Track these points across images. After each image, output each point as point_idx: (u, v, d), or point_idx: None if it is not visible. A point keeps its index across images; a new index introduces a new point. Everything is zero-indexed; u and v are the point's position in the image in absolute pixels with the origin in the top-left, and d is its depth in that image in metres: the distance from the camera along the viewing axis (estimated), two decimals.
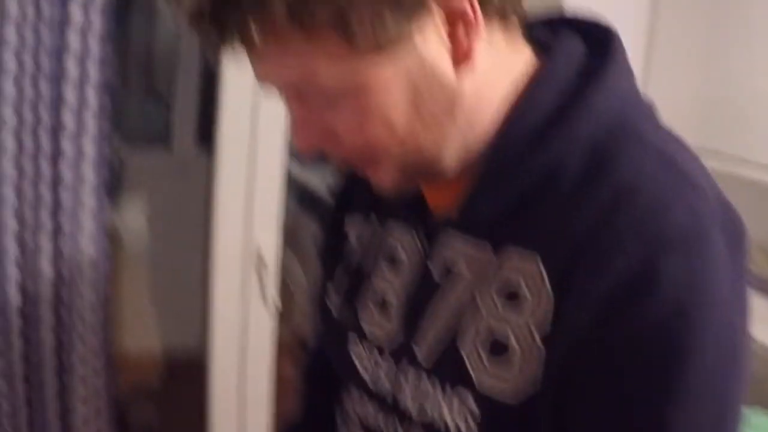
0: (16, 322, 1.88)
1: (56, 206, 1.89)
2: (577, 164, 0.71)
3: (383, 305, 0.87)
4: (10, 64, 1.77)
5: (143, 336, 2.76)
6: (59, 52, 1.82)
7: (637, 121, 0.75)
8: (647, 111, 0.78)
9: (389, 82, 0.69)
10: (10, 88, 1.78)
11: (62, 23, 1.81)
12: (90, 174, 1.91)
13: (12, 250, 1.85)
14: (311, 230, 3.61)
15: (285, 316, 2.46)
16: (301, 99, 0.73)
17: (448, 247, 0.79)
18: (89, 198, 1.92)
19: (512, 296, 0.71)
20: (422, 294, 0.81)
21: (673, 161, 0.71)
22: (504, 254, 0.73)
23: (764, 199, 1.59)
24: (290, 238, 3.75)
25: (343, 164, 0.82)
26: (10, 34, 1.76)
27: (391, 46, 0.67)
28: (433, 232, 0.82)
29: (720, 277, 0.66)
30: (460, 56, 0.71)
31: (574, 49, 0.78)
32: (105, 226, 1.98)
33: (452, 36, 0.70)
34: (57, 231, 1.90)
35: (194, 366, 2.38)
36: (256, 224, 2.16)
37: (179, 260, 2.88)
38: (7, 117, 1.79)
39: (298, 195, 3.84)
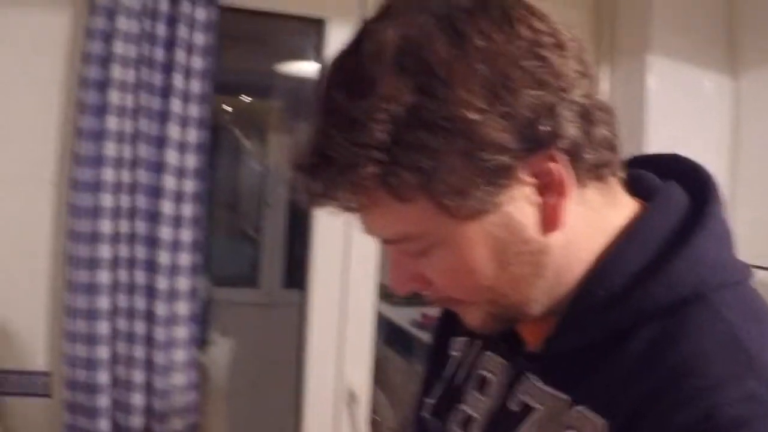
0: None
1: (149, 339, 1.92)
2: (648, 331, 0.69)
3: (467, 422, 0.88)
4: (107, 202, 1.85)
5: None
6: (156, 192, 1.90)
7: (716, 293, 0.71)
8: (734, 278, 0.74)
9: (476, 241, 0.70)
10: (107, 225, 1.86)
11: (159, 164, 1.90)
12: (183, 308, 1.95)
13: (104, 381, 1.88)
14: (398, 365, 3.59)
15: None
16: (399, 249, 0.76)
17: (530, 388, 0.79)
18: (181, 331, 1.95)
19: None
20: (500, 421, 0.82)
21: (739, 340, 0.67)
22: (577, 410, 0.72)
23: None
24: (377, 373, 3.72)
25: (436, 303, 0.83)
26: (107, 174, 1.85)
27: (480, 214, 0.69)
28: (518, 374, 0.82)
29: None
30: (550, 222, 0.71)
31: (673, 204, 0.76)
32: (195, 358, 1.99)
33: (542, 202, 0.70)
34: (149, 363, 1.92)
35: None
36: (348, 361, 2.20)
37: (267, 397, 2.88)
38: (103, 253, 1.86)
39: (384, 331, 3.84)
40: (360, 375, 2.22)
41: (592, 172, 0.72)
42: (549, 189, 0.70)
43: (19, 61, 1.92)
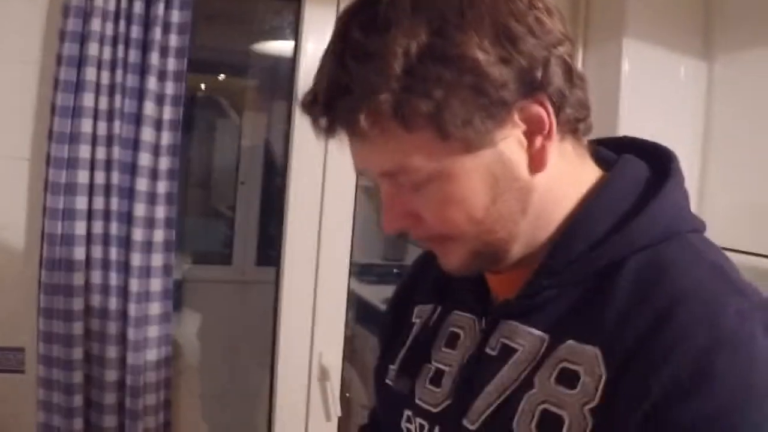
0: (78, 425, 1.91)
1: (123, 315, 1.94)
2: (634, 268, 0.77)
3: (436, 376, 0.93)
4: (83, 178, 1.87)
5: None
6: (133, 168, 1.92)
7: (690, 233, 0.83)
8: (699, 226, 0.85)
9: (472, 175, 0.78)
10: (82, 202, 1.87)
11: (135, 141, 1.91)
12: (156, 284, 1.97)
13: (78, 356, 1.90)
14: (369, 343, 3.62)
15: (344, 429, 2.45)
16: (393, 184, 0.82)
17: (508, 329, 0.85)
18: (154, 307, 1.96)
19: (568, 378, 0.75)
20: (476, 367, 0.87)
21: (722, 270, 0.78)
22: (562, 345, 0.78)
23: None
24: (349, 351, 3.75)
25: (421, 241, 0.88)
26: (85, 152, 1.85)
27: (478, 148, 0.77)
28: (495, 320, 0.87)
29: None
30: (536, 162, 0.80)
31: (636, 166, 0.87)
32: (168, 334, 2.02)
33: (530, 145, 0.80)
34: (122, 338, 1.94)
35: None
36: (320, 338, 2.23)
37: (241, 373, 2.90)
38: (78, 229, 1.87)
39: (356, 309, 3.87)
40: (332, 352, 2.25)
41: (570, 126, 0.83)
42: (537, 132, 0.79)
43: None
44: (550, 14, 0.79)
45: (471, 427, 0.84)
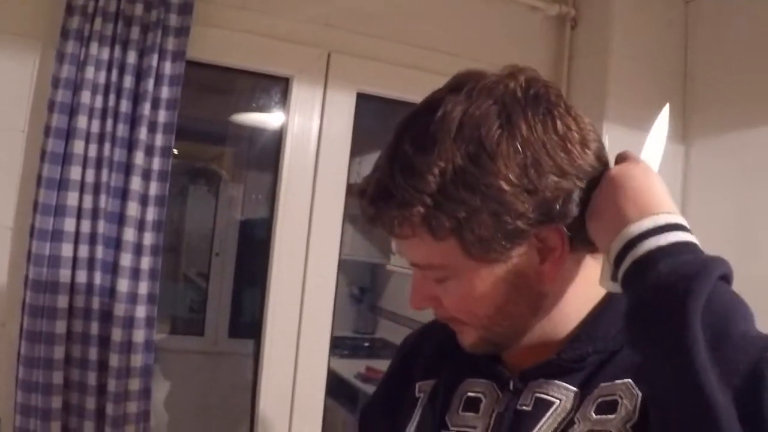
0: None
1: (101, 391, 1.90)
2: None
3: None
4: (66, 251, 1.84)
5: None
6: (118, 243, 1.91)
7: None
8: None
9: (487, 281, 0.88)
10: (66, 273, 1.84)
11: (122, 216, 1.90)
12: (138, 360, 1.94)
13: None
14: (342, 417, 3.58)
15: None
16: (421, 273, 0.93)
17: (541, 386, 0.91)
18: (136, 383, 1.93)
19: (607, 407, 0.83)
20: (512, 423, 0.91)
21: None
22: (596, 389, 0.86)
23: None
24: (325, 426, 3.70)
25: (442, 320, 0.97)
26: (70, 225, 1.84)
27: (495, 261, 0.86)
28: (521, 382, 0.94)
29: None
30: (547, 277, 0.88)
31: None
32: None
33: (542, 262, 0.88)
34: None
35: None
36: (299, 416, 2.23)
37: None
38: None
39: (329, 383, 3.83)
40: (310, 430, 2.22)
41: (588, 248, 0.91)
42: (549, 253, 0.87)
43: None
44: (586, 147, 0.87)
45: None
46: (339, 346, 4.00)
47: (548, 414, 0.88)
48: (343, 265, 4.36)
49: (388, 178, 0.85)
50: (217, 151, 3.76)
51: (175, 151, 3.56)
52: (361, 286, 4.50)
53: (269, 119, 2.62)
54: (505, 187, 0.81)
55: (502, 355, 0.99)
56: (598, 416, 0.83)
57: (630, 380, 0.83)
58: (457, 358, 1.03)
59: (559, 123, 0.85)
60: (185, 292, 3.67)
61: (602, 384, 0.85)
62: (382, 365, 3.55)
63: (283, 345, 2.19)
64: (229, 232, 3.43)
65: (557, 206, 0.84)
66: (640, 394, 0.81)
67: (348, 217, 4.07)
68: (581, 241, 0.88)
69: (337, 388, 3.74)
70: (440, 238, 0.85)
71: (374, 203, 0.87)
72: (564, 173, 0.84)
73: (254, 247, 3.18)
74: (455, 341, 1.01)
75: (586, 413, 0.84)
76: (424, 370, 1.09)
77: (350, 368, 3.70)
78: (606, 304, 0.93)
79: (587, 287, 0.92)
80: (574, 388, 0.88)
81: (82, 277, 1.88)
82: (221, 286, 3.39)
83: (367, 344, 4.20)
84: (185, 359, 3.24)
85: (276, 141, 2.29)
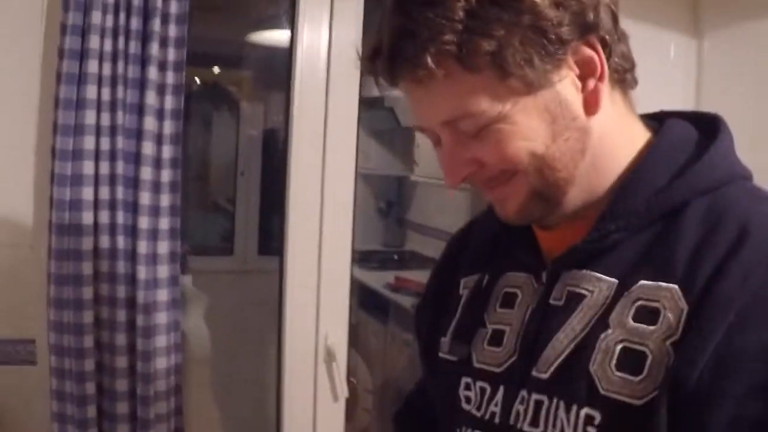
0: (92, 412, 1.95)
1: (132, 302, 1.98)
2: (698, 209, 0.82)
3: (495, 336, 0.94)
4: (88, 169, 1.90)
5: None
6: (137, 157, 1.95)
7: (744, 180, 0.88)
8: (750, 175, 0.90)
9: (532, 114, 0.82)
10: (88, 193, 1.91)
11: (139, 131, 1.95)
12: (164, 271, 2.00)
13: (89, 345, 1.93)
14: (373, 328, 3.66)
15: (349, 413, 2.48)
16: (453, 132, 0.85)
17: (574, 278, 0.87)
18: (163, 293, 2.00)
19: (647, 315, 0.78)
20: (542, 319, 0.89)
21: None
22: (635, 286, 0.81)
23: None
24: (354, 337, 3.79)
25: (486, 186, 0.89)
26: (89, 143, 1.89)
27: (537, 88, 0.81)
28: (557, 272, 0.90)
29: None
30: (590, 104, 0.84)
31: (686, 126, 0.92)
32: (178, 320, 2.06)
33: (584, 87, 0.84)
34: (131, 325, 1.98)
35: None
36: (325, 321, 2.26)
37: (248, 360, 2.94)
38: (85, 219, 1.91)
39: (358, 296, 3.92)
40: (338, 333, 2.27)
41: (619, 76, 0.87)
42: (590, 75, 0.83)
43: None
44: None
45: (543, 377, 0.85)
46: (368, 259, 4.06)
47: (578, 309, 0.85)
48: (368, 180, 4.42)
49: (407, 20, 0.79)
50: (236, 75, 3.77)
51: (197, 80, 3.60)
52: (388, 200, 4.53)
53: (281, 36, 2.63)
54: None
55: (540, 240, 0.96)
56: (635, 324, 0.78)
57: (677, 287, 0.77)
58: (500, 252, 1.00)
59: None
60: (215, 220, 3.74)
61: (643, 282, 0.80)
62: (411, 275, 3.62)
63: (306, 256, 2.23)
64: (252, 152, 3.47)
65: (589, 17, 0.80)
66: (686, 307, 0.76)
67: (372, 131, 4.13)
68: (613, 69, 0.85)
69: (367, 300, 3.82)
70: (475, 70, 0.79)
71: (395, 53, 0.81)
72: None
73: (277, 162, 3.22)
74: (500, 231, 0.99)
75: (623, 318, 0.80)
76: (469, 265, 1.06)
77: (380, 281, 3.75)
78: (652, 146, 0.89)
79: (625, 125, 0.89)
80: (611, 279, 0.83)
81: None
82: (248, 206, 3.44)
83: (396, 257, 4.23)
84: (216, 279, 3.31)
85: (287, 57, 2.29)
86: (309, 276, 2.24)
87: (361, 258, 4.05)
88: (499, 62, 0.78)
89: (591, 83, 0.83)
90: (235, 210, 3.52)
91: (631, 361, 0.77)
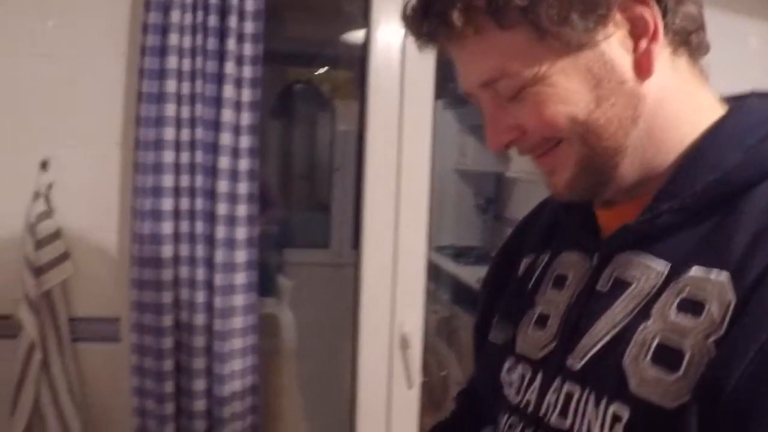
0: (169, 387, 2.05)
1: (209, 285, 2.08)
2: (763, 194, 0.73)
3: (541, 319, 0.90)
4: (169, 158, 2.01)
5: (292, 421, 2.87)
6: (214, 170, 2.06)
7: None
8: None
9: (572, 76, 0.76)
10: (169, 180, 2.02)
11: (217, 123, 2.05)
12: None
13: (168, 324, 2.04)
14: (466, 322, 3.66)
15: (439, 404, 2.50)
16: (493, 96, 0.81)
17: (623, 262, 0.81)
18: (240, 277, 2.09)
19: (692, 306, 0.71)
20: (585, 305, 0.83)
21: None
22: (687, 273, 0.73)
23: None
24: (447, 331, 3.81)
25: (532, 153, 0.84)
26: (170, 134, 2.00)
27: (577, 48, 0.75)
28: (608, 255, 0.83)
29: None
30: (642, 66, 0.76)
31: (765, 103, 0.82)
32: (254, 303, 2.13)
33: (635, 48, 0.76)
34: (209, 307, 2.08)
35: None
36: (400, 309, 2.30)
37: (332, 350, 3.01)
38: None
39: (454, 291, 3.93)
40: (412, 321, 2.31)
41: (681, 37, 0.79)
42: (642, 34, 0.76)
43: (86, 36, 2.10)
44: None
45: (574, 368, 0.80)
46: (465, 255, 4.07)
47: (621, 297, 0.78)
48: (466, 177, 4.42)
49: None
50: (329, 74, 3.86)
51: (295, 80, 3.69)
52: (487, 197, 4.51)
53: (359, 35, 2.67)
54: None
55: (599, 218, 0.89)
56: (677, 317, 0.71)
57: (728, 274, 0.69)
58: (561, 231, 0.95)
59: None
60: (313, 215, 3.83)
61: (696, 268, 0.72)
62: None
63: (382, 245, 2.28)
64: (346, 148, 3.54)
65: None
66: (734, 300, 0.67)
67: (469, 128, 4.12)
68: (674, 30, 0.78)
69: (463, 295, 3.83)
70: (507, 27, 0.74)
71: (425, 7, 0.78)
72: None
73: None
74: (561, 210, 0.94)
75: (665, 309, 0.73)
76: (533, 244, 1.01)
77: (473, 275, 3.74)
78: (722, 122, 0.80)
79: (689, 94, 0.81)
80: (662, 264, 0.76)
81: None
82: (343, 199, 3.51)
83: (492, 253, 4.20)
84: (311, 271, 3.40)
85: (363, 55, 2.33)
86: (385, 266, 2.29)
87: (458, 254, 4.06)
88: (533, 18, 0.73)
89: (643, 43, 0.75)
90: (331, 205, 3.60)
91: (667, 357, 0.70)
